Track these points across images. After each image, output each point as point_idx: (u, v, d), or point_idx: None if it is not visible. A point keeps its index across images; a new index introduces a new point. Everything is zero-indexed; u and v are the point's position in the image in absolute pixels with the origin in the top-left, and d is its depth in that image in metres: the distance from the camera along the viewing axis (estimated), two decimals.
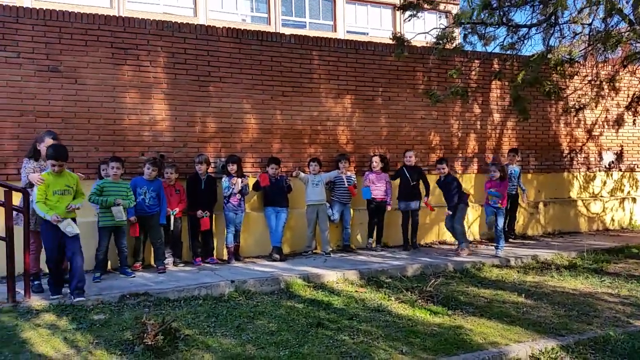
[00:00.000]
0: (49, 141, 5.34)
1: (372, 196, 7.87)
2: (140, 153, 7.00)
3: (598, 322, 4.92)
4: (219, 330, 4.52)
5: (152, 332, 4.02)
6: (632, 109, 9.71)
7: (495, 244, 7.64)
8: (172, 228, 6.72)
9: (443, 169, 7.80)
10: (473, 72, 9.30)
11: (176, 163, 7.02)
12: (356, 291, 5.88)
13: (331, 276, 6.29)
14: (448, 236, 8.59)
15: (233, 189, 6.99)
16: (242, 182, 7.06)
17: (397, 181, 8.14)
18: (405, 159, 8.10)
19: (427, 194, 8.02)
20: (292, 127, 7.96)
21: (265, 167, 7.50)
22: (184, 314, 4.93)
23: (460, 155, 9.23)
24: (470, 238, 8.88)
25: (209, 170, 7.09)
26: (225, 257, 7.17)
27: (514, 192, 8.80)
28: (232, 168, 7.05)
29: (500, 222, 7.67)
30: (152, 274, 6.27)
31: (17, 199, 5.19)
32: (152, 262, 6.68)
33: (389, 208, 7.96)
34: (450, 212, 7.71)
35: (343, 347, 4.18)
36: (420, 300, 5.45)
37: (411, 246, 7.99)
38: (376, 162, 7.90)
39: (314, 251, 7.71)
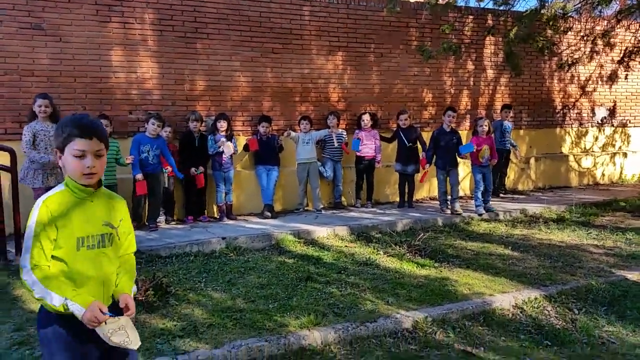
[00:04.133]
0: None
1: (362, 154, 7.84)
2: (129, 112, 6.94)
3: (582, 272, 5.04)
4: (209, 285, 4.61)
5: (143, 287, 4.09)
6: (624, 64, 9.62)
7: (485, 199, 7.57)
8: (166, 186, 6.73)
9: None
10: (466, 28, 9.15)
11: (170, 123, 6.96)
12: (346, 246, 5.97)
13: (322, 232, 6.37)
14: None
15: (218, 148, 6.94)
16: (231, 146, 6.98)
17: (395, 143, 8.04)
18: (400, 122, 7.86)
19: (424, 151, 7.80)
20: (282, 85, 7.87)
21: (256, 127, 7.45)
22: (175, 270, 5.01)
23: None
24: (462, 194, 8.95)
25: (200, 128, 7.06)
26: (217, 215, 7.22)
27: (507, 148, 8.81)
28: (222, 125, 6.97)
29: (491, 178, 7.64)
30: (144, 232, 6.31)
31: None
32: (145, 221, 6.72)
33: (378, 165, 7.93)
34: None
35: (331, 299, 4.28)
36: (408, 254, 5.54)
37: (407, 206, 7.93)
38: (366, 119, 7.84)
39: (305, 208, 7.77)
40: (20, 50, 6.36)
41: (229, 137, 7.05)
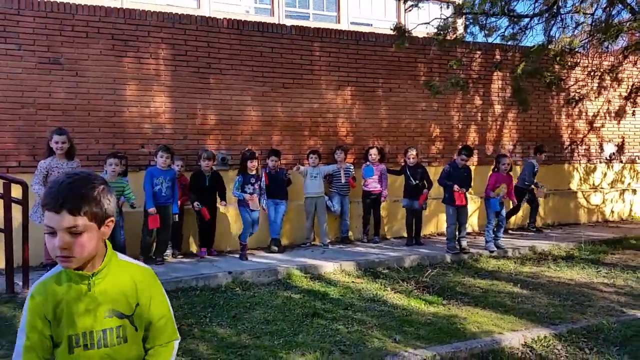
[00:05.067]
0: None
1: (369, 189, 7.87)
2: (141, 145, 7.05)
3: (592, 311, 4.97)
4: (215, 320, 4.59)
5: None
6: (632, 100, 9.66)
7: (496, 235, 7.44)
8: (177, 220, 6.65)
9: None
10: (474, 64, 9.27)
11: (182, 156, 7.02)
12: (353, 282, 5.93)
13: (328, 267, 6.35)
14: None
15: (246, 196, 6.74)
16: (257, 204, 6.82)
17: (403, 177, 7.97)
18: (407, 159, 7.78)
19: (428, 189, 7.72)
20: (292, 119, 7.98)
21: (266, 160, 7.52)
22: (181, 304, 5.01)
23: (460, 147, 9.20)
24: (470, 230, 8.88)
25: (212, 166, 7.00)
26: (227, 248, 7.22)
27: (531, 188, 8.78)
28: (253, 165, 6.82)
29: (504, 215, 7.59)
30: (150, 265, 6.29)
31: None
32: (152, 255, 6.69)
33: (384, 200, 7.92)
34: None
35: (337, 336, 4.24)
36: (416, 291, 5.51)
37: (415, 243, 7.81)
38: (374, 154, 7.88)
39: (312, 243, 7.74)
40: (37, 84, 6.54)
41: (258, 178, 6.92)
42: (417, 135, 8.91)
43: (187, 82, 7.30)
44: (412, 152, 7.78)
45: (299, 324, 4.51)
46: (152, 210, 6.21)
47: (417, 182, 7.72)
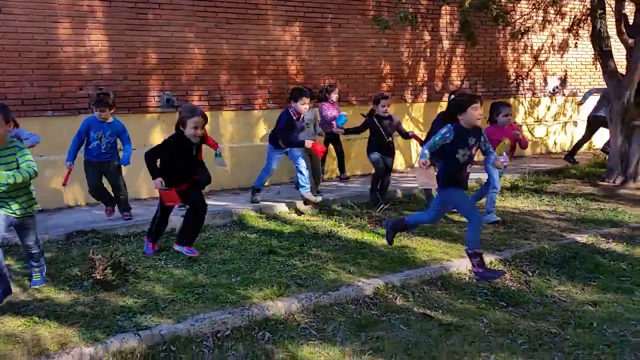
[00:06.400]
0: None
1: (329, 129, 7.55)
2: (79, 87, 6.67)
3: (535, 237, 5.25)
4: (170, 263, 4.56)
5: (101, 266, 4.01)
6: (573, 32, 9.87)
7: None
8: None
9: None
10: None
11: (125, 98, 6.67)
12: (308, 220, 6.00)
13: (283, 207, 6.37)
14: (398, 165, 8.83)
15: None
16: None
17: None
18: (379, 109, 6.45)
19: (410, 133, 6.75)
20: (239, 58, 7.70)
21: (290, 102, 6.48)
22: (134, 249, 4.93)
23: (410, 84, 9.24)
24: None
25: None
26: None
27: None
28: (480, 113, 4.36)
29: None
30: (100, 211, 6.06)
31: None
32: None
33: (341, 131, 7.12)
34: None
35: (294, 271, 4.32)
36: (369, 225, 5.63)
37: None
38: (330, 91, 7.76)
39: (265, 185, 7.61)
40: None
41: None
42: (368, 72, 8.82)
43: (123, 18, 6.85)
44: (386, 101, 6.45)
45: (255, 262, 4.55)
46: (67, 164, 5.32)
47: (391, 138, 6.60)
